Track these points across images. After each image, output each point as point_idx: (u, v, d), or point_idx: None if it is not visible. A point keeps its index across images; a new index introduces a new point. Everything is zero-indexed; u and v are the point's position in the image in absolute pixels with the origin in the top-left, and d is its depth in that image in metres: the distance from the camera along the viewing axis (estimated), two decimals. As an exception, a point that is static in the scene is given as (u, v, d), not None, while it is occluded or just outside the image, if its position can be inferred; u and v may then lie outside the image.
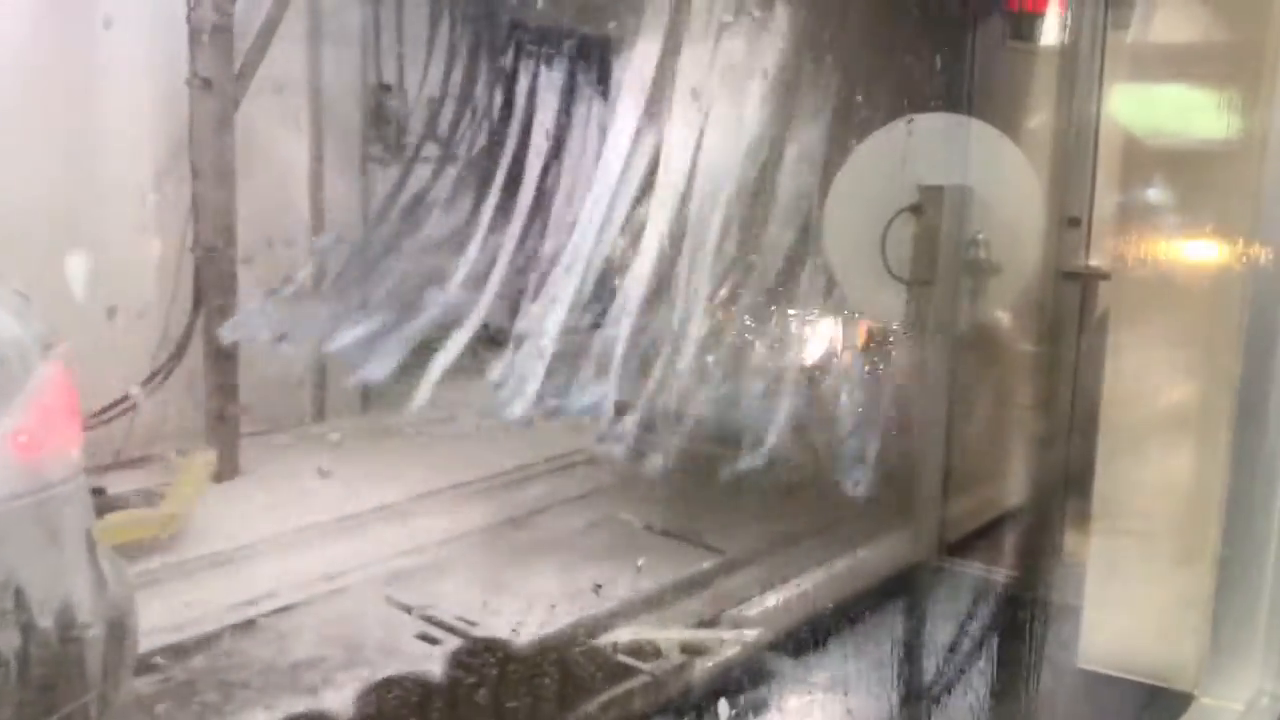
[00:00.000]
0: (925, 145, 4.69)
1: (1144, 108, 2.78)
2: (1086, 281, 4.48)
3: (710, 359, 5.19)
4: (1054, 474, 4.38)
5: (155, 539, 4.98)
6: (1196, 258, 2.40)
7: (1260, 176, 2.26)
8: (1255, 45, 2.46)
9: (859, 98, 5.39)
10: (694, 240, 5.39)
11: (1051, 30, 5.20)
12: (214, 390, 6.02)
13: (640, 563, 4.92)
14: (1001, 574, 4.76)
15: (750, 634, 4.41)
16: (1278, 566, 2.24)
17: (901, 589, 4.80)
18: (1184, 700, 2.43)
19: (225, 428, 6.04)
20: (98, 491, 5.18)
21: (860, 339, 5.36)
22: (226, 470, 5.98)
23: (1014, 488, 4.82)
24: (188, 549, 5.02)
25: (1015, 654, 4.24)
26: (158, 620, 4.11)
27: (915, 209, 4.59)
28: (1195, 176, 2.47)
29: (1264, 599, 2.27)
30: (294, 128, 6.81)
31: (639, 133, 5.62)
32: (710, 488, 5.16)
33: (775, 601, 4.77)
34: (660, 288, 5.42)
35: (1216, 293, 2.35)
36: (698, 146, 5.47)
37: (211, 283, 5.98)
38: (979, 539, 5.03)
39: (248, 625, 4.37)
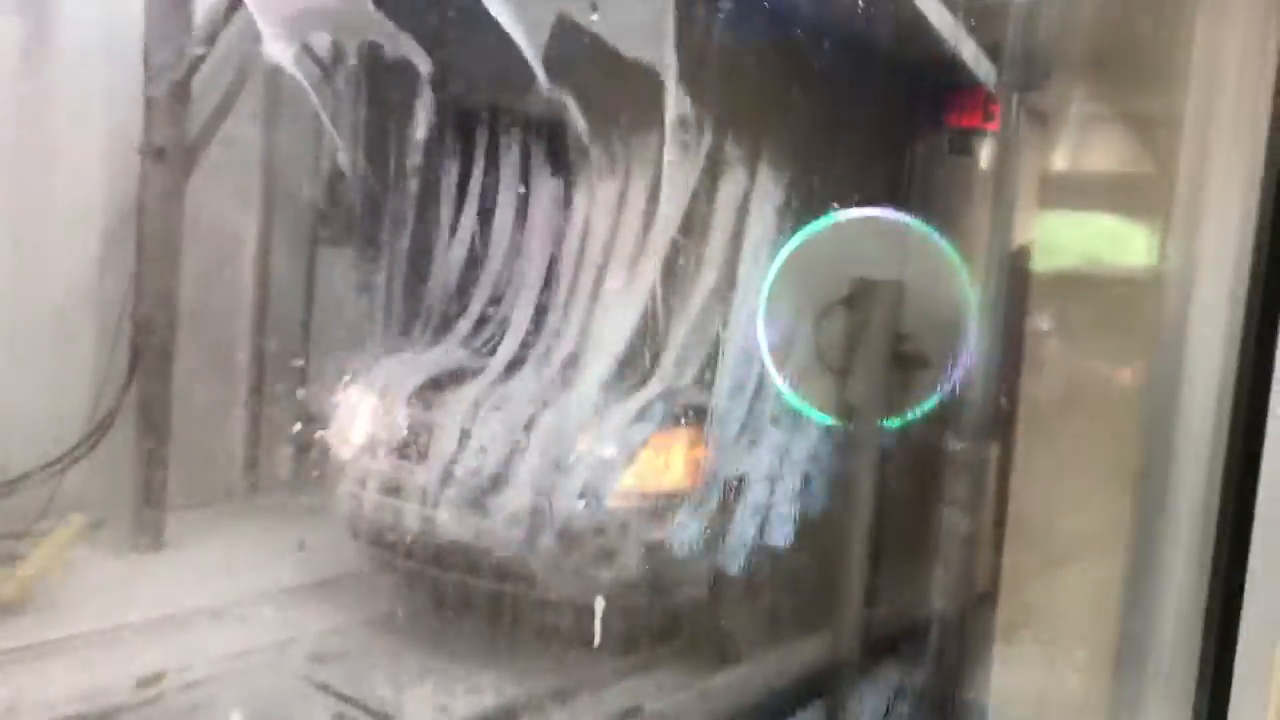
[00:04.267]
0: (861, 242, 4.81)
1: (1058, 231, 2.91)
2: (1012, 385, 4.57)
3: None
4: (974, 574, 4.44)
5: (10, 602, 4.90)
6: (1097, 376, 2.50)
7: (1160, 304, 2.37)
8: (1162, 180, 2.59)
9: (802, 196, 5.50)
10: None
11: (985, 147, 5.40)
12: (143, 461, 5.96)
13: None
14: (922, 676, 4.78)
15: None
16: (1171, 666, 2.32)
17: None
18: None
19: (153, 499, 5.97)
20: None
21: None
22: (151, 542, 5.90)
23: (938, 588, 4.87)
24: (51, 626, 4.86)
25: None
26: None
27: (848, 301, 4.69)
28: (1100, 301, 2.58)
29: (1155, 696, 2.36)
30: (244, 204, 6.84)
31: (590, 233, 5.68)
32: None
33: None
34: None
35: (1117, 411, 2.44)
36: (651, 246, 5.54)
37: (148, 354, 5.96)
38: (900, 642, 5.06)
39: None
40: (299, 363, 6.54)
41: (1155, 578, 2.30)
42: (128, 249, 5.99)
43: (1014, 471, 2.56)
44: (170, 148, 5.91)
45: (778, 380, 5.01)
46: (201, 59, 6.08)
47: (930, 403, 4.50)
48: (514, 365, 5.48)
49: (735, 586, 5.13)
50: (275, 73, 5.97)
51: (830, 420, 4.98)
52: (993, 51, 4.93)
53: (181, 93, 5.93)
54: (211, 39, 6.12)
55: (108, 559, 5.75)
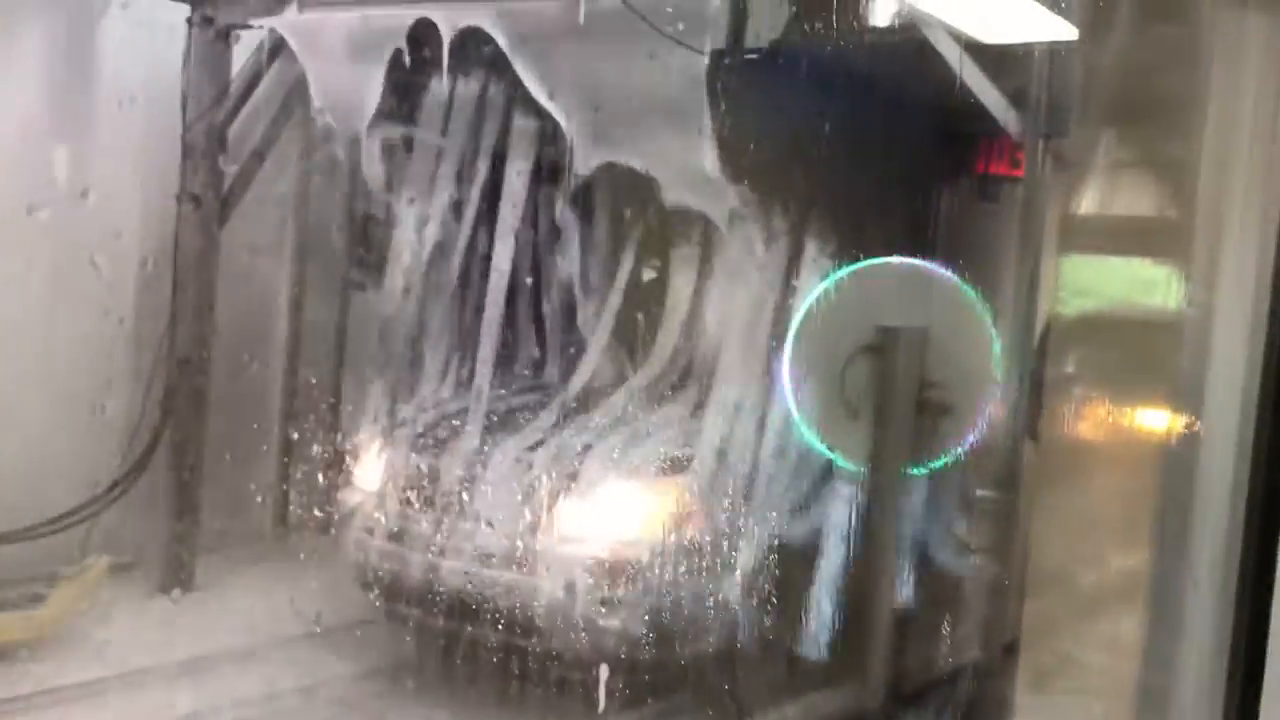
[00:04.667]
0: (887, 289, 4.80)
1: (1081, 276, 2.89)
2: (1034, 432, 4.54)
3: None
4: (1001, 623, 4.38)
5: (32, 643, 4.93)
6: (1118, 423, 2.48)
7: (1180, 349, 2.36)
8: (1181, 225, 2.59)
9: (834, 246, 5.51)
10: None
11: (1011, 194, 5.39)
12: (175, 503, 6.02)
13: None
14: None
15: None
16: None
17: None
18: None
19: (185, 541, 6.01)
20: None
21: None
22: (182, 584, 5.94)
23: (963, 638, 4.82)
24: (75, 669, 4.87)
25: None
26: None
27: (873, 348, 4.67)
28: (1122, 347, 2.57)
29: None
30: (277, 250, 6.93)
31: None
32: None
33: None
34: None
35: (1137, 458, 2.42)
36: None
37: (182, 395, 6.03)
38: (930, 693, 4.99)
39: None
40: (330, 405, 6.58)
41: (1176, 629, 2.26)
42: (164, 293, 6.08)
43: (1035, 520, 2.54)
44: (206, 194, 6.02)
45: (802, 426, 4.99)
46: (239, 108, 6.21)
47: (955, 450, 4.47)
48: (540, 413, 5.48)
49: (745, 639, 5.05)
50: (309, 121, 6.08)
51: (855, 467, 4.95)
52: (1018, 100, 4.95)
53: (218, 141, 6.04)
54: (249, 89, 6.25)
55: (138, 601, 5.79)
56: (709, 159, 5.07)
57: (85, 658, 5.02)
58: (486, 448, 5.25)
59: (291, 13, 5.83)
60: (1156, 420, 2.52)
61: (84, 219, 5.93)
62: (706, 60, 4.96)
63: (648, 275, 5.96)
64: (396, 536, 5.19)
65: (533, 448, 5.21)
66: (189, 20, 6.06)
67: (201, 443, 6.07)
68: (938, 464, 4.44)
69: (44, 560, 5.57)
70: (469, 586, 4.93)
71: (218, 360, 6.13)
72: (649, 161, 5.26)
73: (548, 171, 5.71)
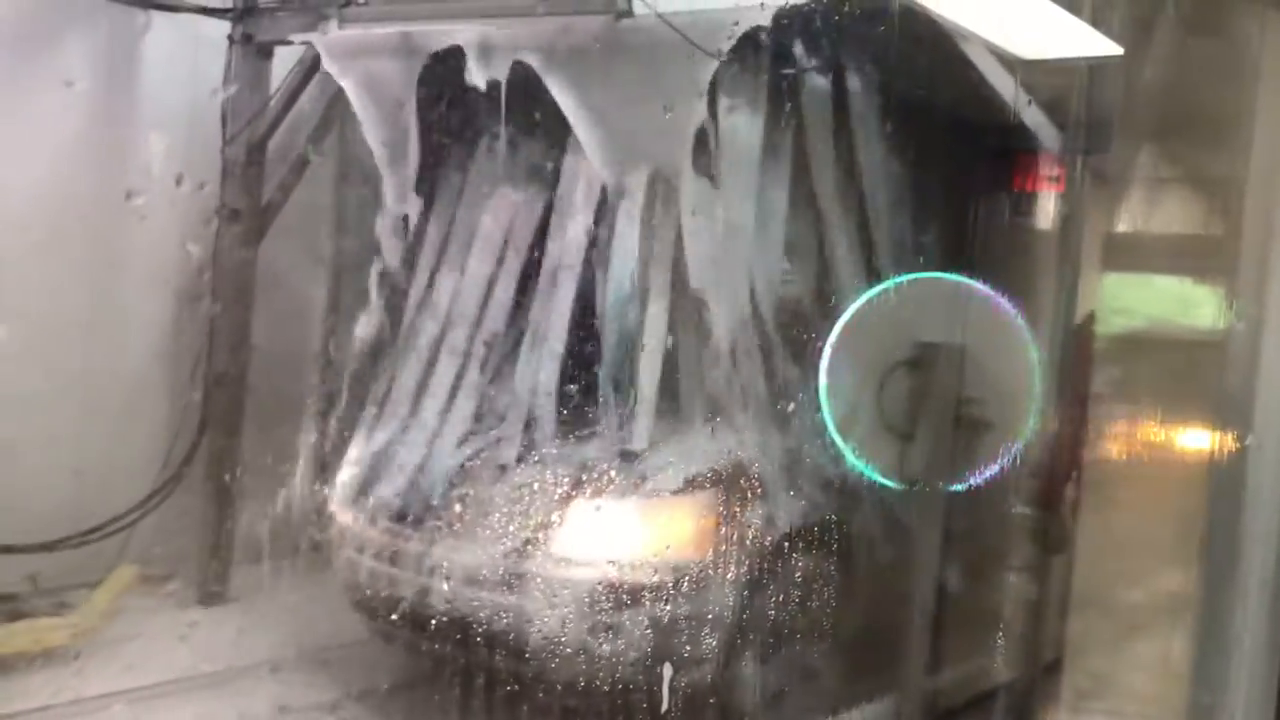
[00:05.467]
0: (925, 304, 4.78)
1: (1122, 294, 2.88)
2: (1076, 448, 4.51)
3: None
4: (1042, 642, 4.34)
5: (61, 650, 4.97)
6: (1162, 442, 2.46)
7: (1225, 368, 2.34)
8: (1226, 243, 2.57)
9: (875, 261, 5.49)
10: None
11: (1050, 210, 5.37)
12: (211, 514, 6.06)
13: None
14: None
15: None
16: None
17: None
18: None
19: (219, 552, 6.05)
20: (8, 598, 5.23)
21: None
22: (215, 596, 5.98)
23: (1005, 656, 4.77)
24: (103, 679, 4.86)
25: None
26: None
27: (911, 364, 4.65)
28: (1167, 364, 2.55)
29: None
30: (314, 262, 6.98)
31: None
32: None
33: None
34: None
35: (1183, 477, 2.40)
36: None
37: (219, 408, 6.09)
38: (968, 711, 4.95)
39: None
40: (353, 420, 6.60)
41: (1224, 649, 2.23)
42: (202, 306, 6.14)
43: (1078, 539, 2.52)
44: (245, 209, 6.08)
45: (839, 442, 4.96)
46: (279, 121, 6.27)
47: (994, 467, 4.44)
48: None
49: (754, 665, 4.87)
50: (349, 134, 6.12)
51: (893, 484, 4.92)
52: (1058, 116, 4.93)
53: (258, 154, 6.10)
54: (290, 102, 6.31)
55: (170, 611, 5.83)
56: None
57: (110, 669, 5.03)
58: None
59: (332, 29, 5.87)
60: (1202, 438, 2.50)
61: (125, 232, 6.02)
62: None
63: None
64: (387, 556, 4.97)
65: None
66: (230, 37, 6.14)
67: (238, 454, 6.12)
68: (976, 480, 4.41)
69: (80, 569, 5.63)
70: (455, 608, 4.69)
71: (255, 372, 6.18)
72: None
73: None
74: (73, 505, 5.65)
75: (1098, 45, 4.12)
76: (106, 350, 5.85)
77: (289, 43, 6.10)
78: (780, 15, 4.80)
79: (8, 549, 5.31)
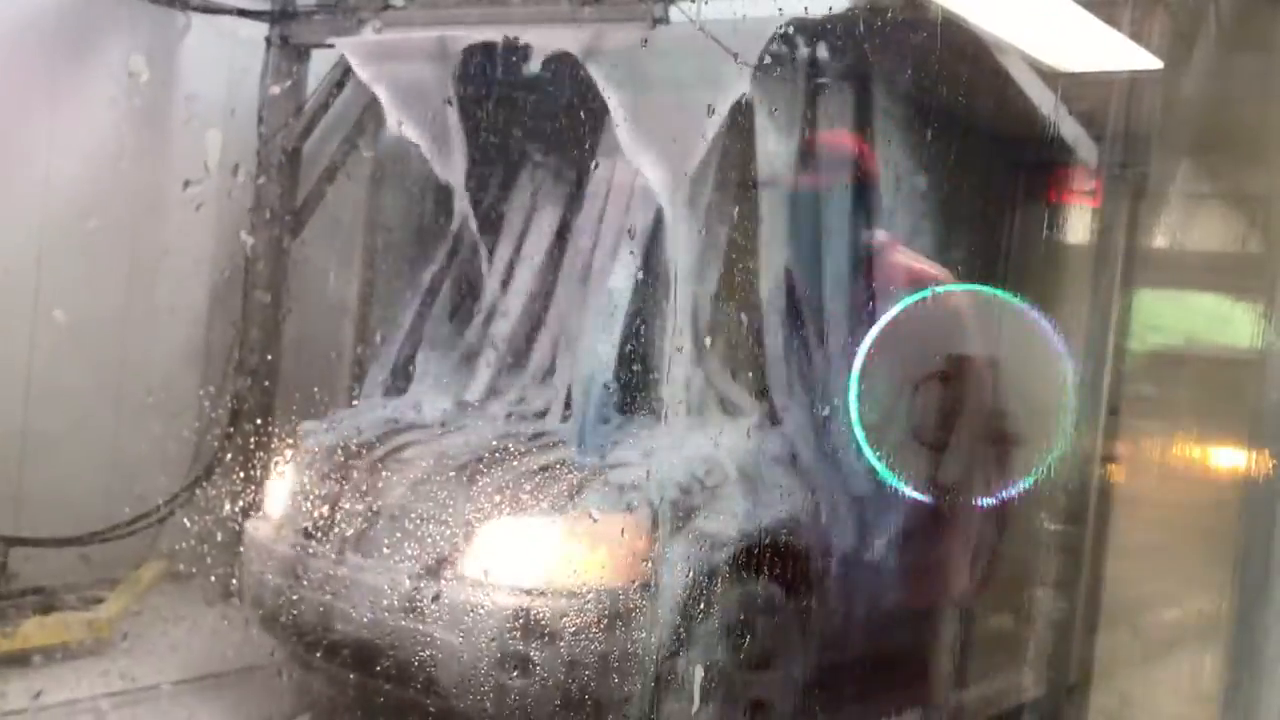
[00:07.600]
0: (956, 316, 4.76)
1: (1157, 309, 2.85)
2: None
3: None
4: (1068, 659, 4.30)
5: (86, 644, 5.00)
6: (1196, 462, 2.43)
7: (1261, 385, 2.31)
8: (1263, 259, 2.54)
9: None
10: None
11: (1085, 225, 5.32)
12: (239, 509, 6.08)
13: None
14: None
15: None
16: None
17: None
18: None
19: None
20: (37, 591, 5.26)
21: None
22: (240, 592, 5.99)
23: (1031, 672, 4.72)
24: (127, 675, 4.84)
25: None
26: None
27: (942, 376, 4.63)
28: (1201, 381, 2.52)
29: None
30: (348, 262, 7.01)
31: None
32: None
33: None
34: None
35: (1216, 495, 2.37)
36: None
37: (249, 406, 6.12)
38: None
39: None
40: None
41: (1257, 669, 2.20)
42: (235, 302, 6.19)
43: (1109, 556, 2.49)
44: (279, 209, 6.12)
45: (870, 455, 4.92)
46: (314, 123, 6.31)
47: (1026, 481, 4.41)
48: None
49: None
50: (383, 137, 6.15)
51: (924, 497, 4.88)
52: (1094, 130, 4.89)
53: (293, 155, 6.14)
54: (325, 104, 6.35)
55: (197, 607, 5.85)
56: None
57: (135, 664, 5.03)
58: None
59: (369, 33, 5.91)
60: (1236, 458, 2.47)
61: (160, 231, 6.07)
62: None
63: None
64: (293, 573, 4.61)
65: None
66: (267, 39, 6.19)
67: (268, 450, 6.15)
68: (1007, 494, 4.38)
69: (107, 564, 5.68)
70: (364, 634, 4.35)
71: (286, 370, 6.21)
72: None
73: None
74: (102, 501, 5.70)
75: (1137, 58, 4.08)
76: (138, 345, 5.90)
77: (327, 46, 6.13)
78: (817, 23, 4.80)
79: (38, 543, 5.36)
